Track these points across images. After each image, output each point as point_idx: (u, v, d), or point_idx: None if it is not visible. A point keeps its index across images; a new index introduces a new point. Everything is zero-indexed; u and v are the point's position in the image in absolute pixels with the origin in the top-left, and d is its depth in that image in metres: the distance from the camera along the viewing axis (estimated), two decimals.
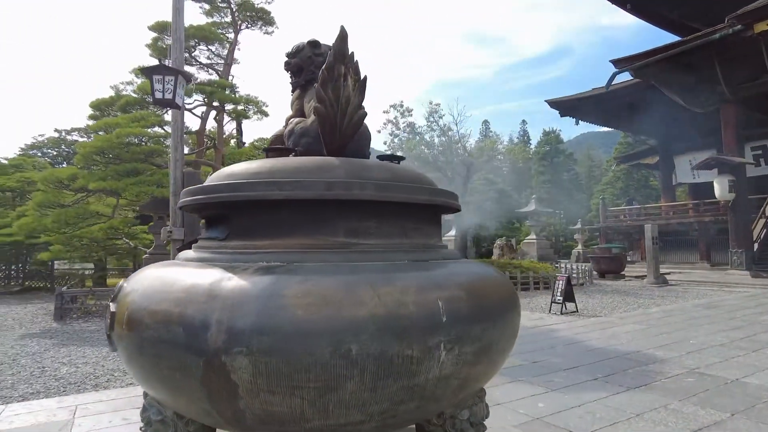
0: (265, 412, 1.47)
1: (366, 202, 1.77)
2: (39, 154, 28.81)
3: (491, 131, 58.17)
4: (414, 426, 2.08)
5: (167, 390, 1.63)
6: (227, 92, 12.48)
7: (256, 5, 13.63)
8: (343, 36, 1.90)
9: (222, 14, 13.83)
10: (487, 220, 23.59)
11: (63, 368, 5.36)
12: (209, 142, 14.18)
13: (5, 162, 20.00)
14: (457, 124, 19.90)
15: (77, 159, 10.43)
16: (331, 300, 1.44)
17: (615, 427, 3.23)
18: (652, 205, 25.28)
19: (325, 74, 1.88)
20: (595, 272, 16.61)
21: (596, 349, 5.66)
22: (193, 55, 13.31)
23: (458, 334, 1.55)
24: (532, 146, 53.95)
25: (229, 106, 12.79)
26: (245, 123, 17.00)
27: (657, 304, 10.09)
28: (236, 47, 13.93)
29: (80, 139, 17.04)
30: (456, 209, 2.17)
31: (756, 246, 16.51)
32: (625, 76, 18.03)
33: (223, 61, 13.88)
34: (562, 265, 16.98)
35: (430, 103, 19.86)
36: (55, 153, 30.32)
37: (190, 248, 2.07)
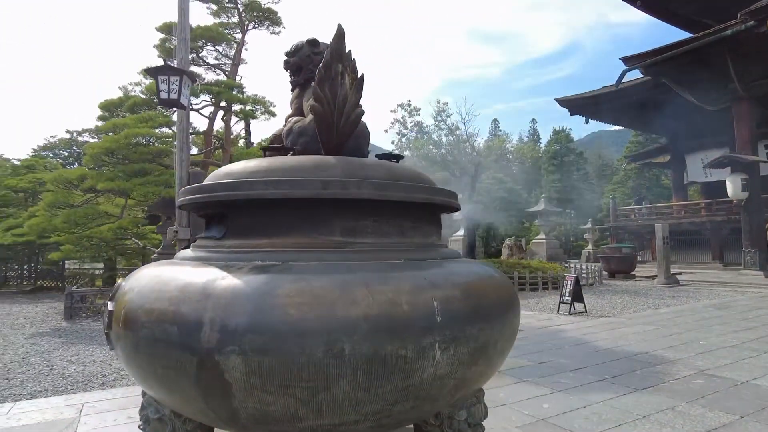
0: (258, 411, 1.47)
1: (363, 201, 1.75)
2: (51, 155, 29.21)
3: (500, 130, 57.95)
4: (412, 426, 2.06)
5: (163, 388, 1.63)
6: (234, 92, 12.53)
7: (263, 5, 13.67)
8: (340, 34, 1.89)
9: (229, 15, 13.89)
10: (496, 219, 23.48)
11: (71, 367, 5.41)
12: (217, 142, 14.25)
13: (17, 163, 20.30)
14: (465, 123, 19.81)
15: (86, 160, 10.54)
16: (324, 299, 1.43)
17: (620, 428, 3.19)
18: (663, 204, 24.98)
19: (322, 73, 1.87)
20: (605, 272, 16.45)
21: (604, 349, 5.60)
22: (200, 55, 13.39)
23: (454, 334, 1.54)
24: (542, 145, 53.60)
25: (236, 107, 12.83)
26: (253, 123, 17.06)
27: (667, 304, 9.97)
28: (243, 47, 13.98)
29: (91, 140, 17.23)
30: (455, 208, 2.15)
31: None
32: (636, 74, 17.84)
33: (230, 62, 13.94)
34: (572, 265, 16.84)
35: (438, 102, 19.80)
36: (66, 154, 30.73)
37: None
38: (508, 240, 20.44)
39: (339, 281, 1.50)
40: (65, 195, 10.35)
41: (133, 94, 13.91)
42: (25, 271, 16.58)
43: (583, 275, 14.48)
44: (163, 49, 12.49)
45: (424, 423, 1.90)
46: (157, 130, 11.10)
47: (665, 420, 3.33)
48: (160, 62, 8.43)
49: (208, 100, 12.31)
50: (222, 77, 13.71)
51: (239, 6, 13.64)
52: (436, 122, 19.73)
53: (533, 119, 67.26)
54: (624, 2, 20.12)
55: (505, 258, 18.26)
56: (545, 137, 54.08)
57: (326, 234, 1.75)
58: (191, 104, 12.31)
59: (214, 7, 13.78)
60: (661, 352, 5.40)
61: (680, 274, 16.05)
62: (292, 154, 2.08)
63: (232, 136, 14.73)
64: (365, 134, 2.22)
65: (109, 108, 12.21)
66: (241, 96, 13.13)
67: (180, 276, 1.64)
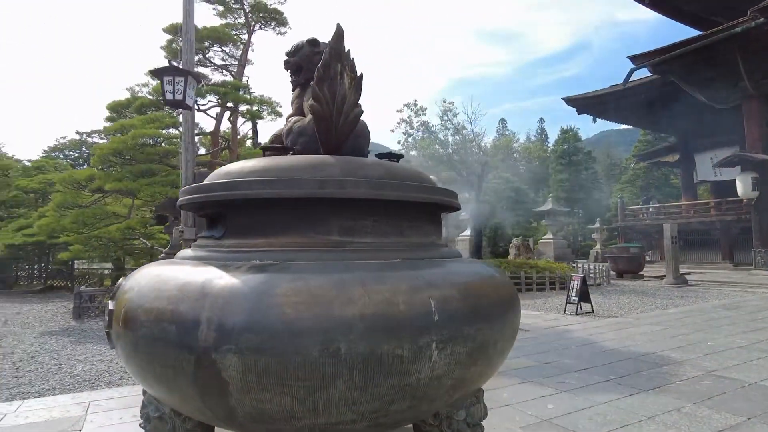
0: (255, 409, 1.47)
1: (361, 200, 1.75)
2: (61, 156, 29.52)
3: (508, 129, 57.75)
4: (411, 426, 2.06)
5: (162, 387, 1.64)
6: (241, 93, 12.58)
7: (268, 6, 13.73)
8: (339, 34, 1.89)
9: (235, 15, 13.96)
10: (504, 219, 23.39)
11: (78, 365, 5.46)
12: (224, 142, 14.32)
13: (28, 164, 20.53)
14: (471, 123, 19.73)
15: (94, 160, 10.64)
16: (320, 298, 1.43)
17: (625, 429, 3.17)
18: (672, 203, 24.76)
19: (321, 72, 1.87)
20: (612, 272, 16.33)
21: (610, 350, 5.56)
22: (207, 56, 13.46)
23: (451, 333, 1.53)
24: (550, 144, 53.33)
25: (243, 107, 12.89)
26: (260, 123, 17.15)
27: (675, 304, 9.87)
28: (250, 48, 14.05)
29: (100, 141, 17.41)
30: (455, 208, 2.14)
31: None
32: (644, 73, 17.70)
33: (237, 62, 14.00)
34: (579, 265, 16.73)
35: (444, 102, 19.74)
36: (76, 155, 31.04)
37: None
38: (516, 240, 20.35)
39: (336, 281, 1.50)
40: (74, 195, 10.46)
41: (140, 95, 14.02)
42: (35, 271, 16.78)
43: (591, 275, 14.38)
44: (170, 50, 12.57)
45: (422, 423, 1.89)
46: (163, 131, 11.18)
47: (671, 421, 3.30)
48: (167, 63, 8.50)
49: (215, 100, 12.38)
50: (228, 78, 13.78)
51: (245, 7, 13.70)
52: (443, 122, 19.68)
53: (541, 118, 67.01)
54: (632, 1, 19.97)
55: (513, 258, 18.19)
56: (553, 136, 53.74)
57: (324, 233, 1.75)
58: (198, 105, 12.39)
59: (221, 8, 13.85)
60: (668, 352, 5.35)
61: (689, 274, 15.89)
62: (292, 154, 2.08)
63: (239, 137, 14.81)
64: (365, 134, 2.22)
65: (116, 109, 12.32)
66: (248, 96, 13.18)
67: (179, 275, 1.65)
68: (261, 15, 13.69)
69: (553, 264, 15.24)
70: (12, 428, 3.37)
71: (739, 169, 16.23)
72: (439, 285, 1.61)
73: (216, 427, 1.94)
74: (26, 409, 3.79)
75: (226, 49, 13.81)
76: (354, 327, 1.40)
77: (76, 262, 15.16)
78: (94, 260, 14.46)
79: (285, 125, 2.29)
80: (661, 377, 4.37)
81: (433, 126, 20.05)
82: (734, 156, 16.62)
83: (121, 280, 1.94)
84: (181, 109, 6.39)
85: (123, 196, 11.00)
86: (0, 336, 7.37)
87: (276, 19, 13.92)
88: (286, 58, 2.36)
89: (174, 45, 12.42)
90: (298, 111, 2.31)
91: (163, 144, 11.08)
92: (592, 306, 8.79)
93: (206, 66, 13.70)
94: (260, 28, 14.14)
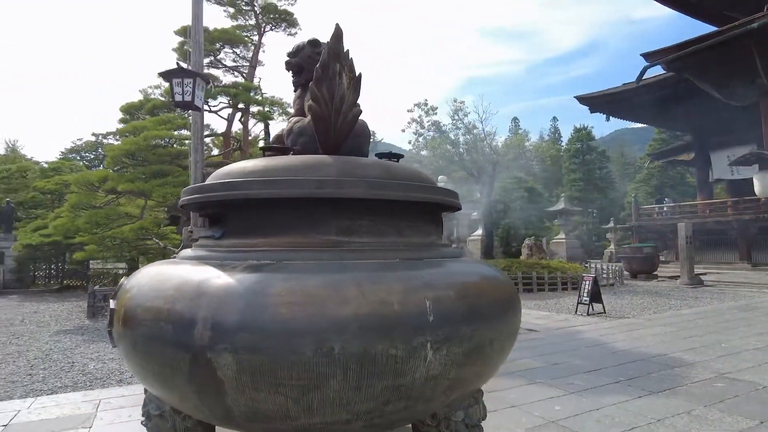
0: (251, 409, 1.48)
1: (358, 200, 1.75)
2: (77, 158, 30.03)
3: (521, 128, 57.34)
4: (410, 426, 2.05)
5: (161, 386, 1.66)
6: (251, 94, 12.67)
7: (279, 7, 13.81)
8: (337, 34, 1.89)
9: (246, 17, 14.07)
10: (516, 219, 23.21)
11: (91, 364, 5.55)
12: (236, 143, 14.44)
13: (45, 166, 20.93)
14: (482, 122, 19.64)
15: (107, 162, 10.80)
16: (314, 298, 1.44)
17: None
18: (687, 202, 24.37)
19: (320, 73, 1.88)
20: (626, 272, 16.12)
21: (621, 351, 5.49)
22: (218, 58, 13.59)
23: (446, 334, 1.52)
24: (563, 143, 52.85)
25: (254, 108, 12.98)
26: (272, 124, 17.24)
27: (689, 305, 9.71)
28: (261, 49, 14.15)
29: (115, 142, 17.66)
30: (456, 208, 2.13)
31: None
32: (658, 70, 17.45)
33: (248, 64, 14.11)
34: (592, 265, 16.55)
35: (455, 101, 19.68)
36: (92, 156, 31.56)
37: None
38: (528, 240, 20.16)
39: (330, 280, 1.50)
40: (88, 196, 10.63)
41: (152, 96, 14.21)
42: (52, 271, 17.07)
43: (604, 275, 14.21)
44: (182, 52, 12.72)
45: (420, 423, 1.89)
46: (175, 132, 11.31)
47: (680, 424, 3.25)
48: (180, 65, 8.59)
49: (226, 102, 12.49)
50: (240, 79, 13.89)
51: (256, 8, 13.81)
52: (453, 121, 19.62)
53: (554, 117, 66.43)
54: None
55: (525, 258, 18.04)
56: (566, 135, 53.22)
57: (322, 233, 1.75)
58: (209, 106, 12.52)
59: (231, 9, 13.97)
60: (679, 354, 5.26)
61: (705, 274, 15.63)
62: (292, 154, 2.09)
63: (251, 138, 14.92)
64: (365, 133, 2.22)
65: (130, 111, 12.50)
66: (259, 98, 13.27)
67: (177, 275, 1.67)
68: (271, 16, 13.78)
69: (566, 264, 15.10)
70: (24, 425, 3.43)
71: (757, 168, 15.89)
72: (436, 285, 1.60)
73: (218, 427, 1.96)
74: (39, 406, 3.86)
75: (237, 51, 13.94)
76: (347, 327, 1.40)
77: (91, 261, 15.40)
78: (109, 260, 14.67)
79: (286, 125, 2.30)
80: (671, 379, 4.30)
81: (444, 125, 20.01)
82: (751, 154, 16.29)
83: (123, 279, 1.96)
84: (189, 110, 6.46)
85: (136, 196, 11.15)
86: (17, 334, 7.52)
87: (286, 20, 14.00)
88: (287, 58, 2.37)
89: (185, 47, 12.56)
90: (300, 111, 2.32)
91: (174, 145, 11.21)
92: (603, 306, 8.69)
93: (217, 67, 13.83)
94: (271, 29, 14.24)
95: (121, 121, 12.72)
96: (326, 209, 1.76)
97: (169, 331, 1.51)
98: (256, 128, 15.69)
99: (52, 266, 17.07)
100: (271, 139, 2.54)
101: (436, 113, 20.08)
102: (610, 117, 22.50)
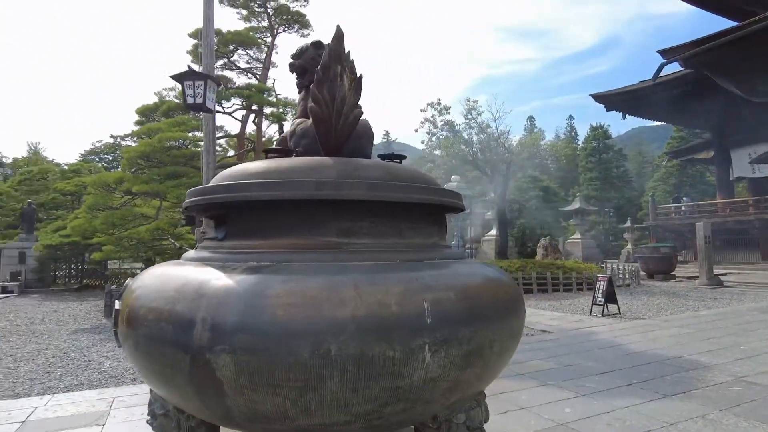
0: (250, 409, 1.49)
1: (358, 201, 1.75)
2: (96, 159, 30.61)
3: (536, 127, 56.83)
4: (411, 428, 2.04)
5: (163, 386, 1.68)
6: (265, 95, 12.77)
7: (291, 9, 13.89)
8: (338, 36, 1.89)
9: (259, 19, 14.18)
10: (531, 218, 22.99)
11: (106, 362, 5.64)
12: (250, 144, 14.56)
13: (65, 167, 21.38)
14: (495, 121, 19.46)
15: (123, 163, 10.98)
16: (312, 300, 1.44)
17: None
18: (706, 201, 23.87)
19: (321, 74, 1.88)
20: (643, 273, 15.87)
21: (635, 353, 5.40)
22: (232, 59, 13.72)
23: (445, 336, 1.51)
24: (579, 142, 52.23)
25: (267, 110, 13.08)
26: (286, 125, 17.35)
27: (708, 306, 9.51)
28: (274, 51, 14.24)
29: (132, 144, 17.96)
30: (459, 209, 2.11)
31: None
32: (675, 67, 17.11)
33: (261, 65, 14.22)
34: (608, 265, 16.32)
35: (468, 100, 19.53)
36: (111, 158, 32.13)
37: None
38: (543, 240, 19.98)
39: (328, 282, 1.50)
40: (104, 197, 10.82)
41: (167, 98, 14.40)
42: (72, 270, 17.42)
43: (620, 276, 14.00)
44: (195, 54, 12.86)
45: (421, 425, 1.88)
46: (189, 134, 11.45)
47: (694, 428, 3.18)
48: (193, 67, 8.70)
49: (240, 103, 12.60)
50: (253, 81, 14.00)
51: (269, 10, 13.90)
52: (467, 120, 19.46)
53: (570, 116, 65.71)
54: None
55: (540, 258, 17.88)
56: (583, 134, 52.56)
57: (322, 235, 1.75)
58: (223, 108, 12.65)
59: (244, 11, 14.09)
60: (696, 356, 5.16)
61: (725, 275, 15.30)
62: (295, 156, 2.10)
63: (264, 139, 15.03)
64: (367, 134, 2.22)
65: (145, 113, 12.68)
66: (272, 99, 13.36)
67: (180, 276, 1.69)
68: (284, 18, 13.87)
69: (581, 264, 14.92)
70: (40, 421, 3.51)
71: None
72: (435, 287, 1.59)
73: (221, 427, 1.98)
74: (55, 403, 3.94)
75: (251, 53, 14.05)
76: (345, 328, 1.40)
77: (109, 261, 15.68)
78: (126, 260, 14.92)
79: (290, 127, 2.31)
80: (686, 382, 4.22)
81: (457, 125, 19.88)
82: None
83: (128, 280, 1.99)
84: (201, 112, 6.52)
85: (151, 197, 11.32)
86: (37, 333, 7.69)
87: (299, 22, 14.08)
88: (291, 60, 2.38)
89: (199, 49, 12.70)
90: (303, 113, 2.33)
91: (189, 147, 11.35)
92: (618, 307, 8.57)
93: (231, 69, 13.97)
94: (284, 30, 14.33)
95: (137, 123, 12.94)
96: (326, 211, 1.76)
97: (170, 331, 1.53)
98: (270, 129, 15.82)
99: (72, 266, 17.42)
100: (277, 140, 2.55)
101: (449, 113, 19.97)
102: (627, 115, 22.14)
